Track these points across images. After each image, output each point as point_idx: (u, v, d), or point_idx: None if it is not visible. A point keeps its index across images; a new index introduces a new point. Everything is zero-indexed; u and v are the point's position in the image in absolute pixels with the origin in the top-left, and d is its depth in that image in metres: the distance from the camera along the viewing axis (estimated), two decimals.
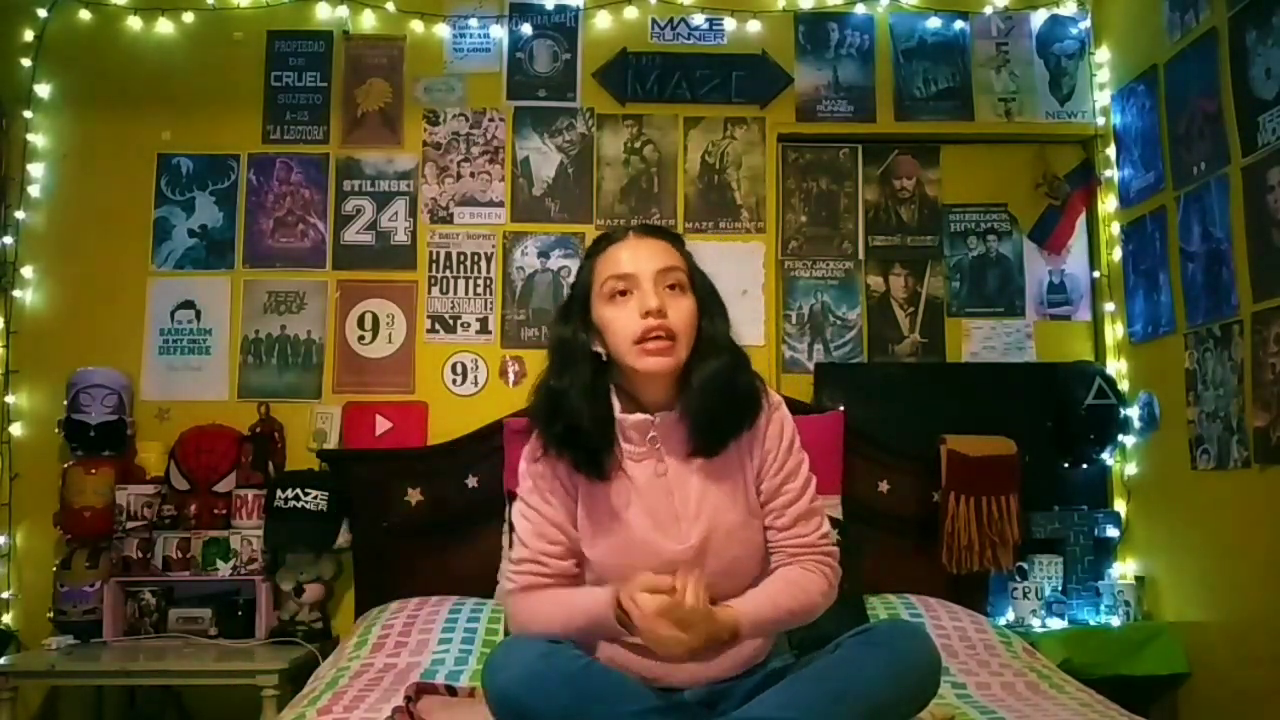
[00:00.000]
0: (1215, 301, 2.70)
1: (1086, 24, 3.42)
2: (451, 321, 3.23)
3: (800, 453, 1.69)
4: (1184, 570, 2.88)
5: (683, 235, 1.73)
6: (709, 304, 1.65)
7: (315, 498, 2.85)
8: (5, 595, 3.01)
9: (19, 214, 3.16)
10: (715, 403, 1.60)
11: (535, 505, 1.67)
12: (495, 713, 1.51)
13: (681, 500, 1.63)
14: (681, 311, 1.59)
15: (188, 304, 3.20)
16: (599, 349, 1.62)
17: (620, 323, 1.58)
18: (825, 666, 1.52)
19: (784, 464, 1.66)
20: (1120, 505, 3.14)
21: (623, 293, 1.59)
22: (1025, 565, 2.97)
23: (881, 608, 2.69)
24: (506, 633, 2.24)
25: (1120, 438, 3.12)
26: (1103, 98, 3.32)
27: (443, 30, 3.33)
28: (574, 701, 1.45)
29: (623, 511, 1.63)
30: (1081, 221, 3.36)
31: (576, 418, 1.59)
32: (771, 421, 1.68)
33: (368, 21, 3.31)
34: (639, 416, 1.63)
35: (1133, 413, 3.10)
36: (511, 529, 1.88)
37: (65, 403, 2.95)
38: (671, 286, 1.60)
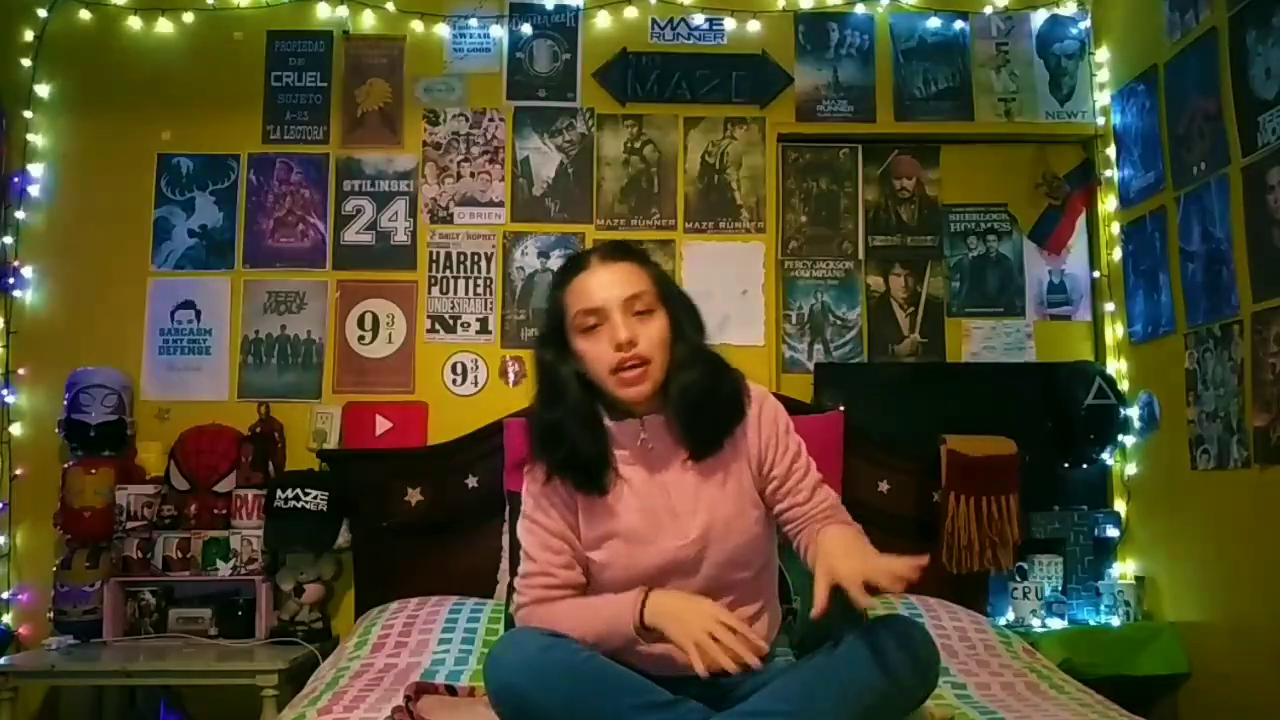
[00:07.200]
0: (1215, 301, 2.70)
1: (1086, 24, 3.42)
2: (451, 321, 3.23)
3: (796, 434, 1.76)
4: (1184, 570, 2.88)
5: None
6: (681, 317, 1.69)
7: (315, 498, 2.84)
8: (5, 595, 3.02)
9: (19, 214, 3.16)
10: (697, 411, 1.65)
11: (539, 519, 1.71)
12: (497, 707, 1.51)
13: (679, 496, 1.67)
14: (652, 335, 1.63)
15: (188, 304, 3.20)
16: (582, 370, 1.66)
17: (594, 354, 1.63)
18: (826, 662, 1.54)
19: (787, 447, 1.73)
20: (1120, 505, 3.14)
21: (594, 326, 1.62)
22: (1025, 565, 2.97)
23: (881, 607, 2.68)
24: (508, 628, 2.24)
25: (1120, 438, 3.12)
26: (1103, 98, 3.32)
27: (442, 30, 3.33)
28: (575, 695, 1.46)
29: (622, 515, 1.67)
30: (1081, 222, 3.36)
31: (573, 445, 1.64)
32: (763, 411, 1.73)
33: (367, 21, 3.32)
34: (628, 422, 1.68)
35: (1133, 413, 3.10)
36: (515, 546, 1.90)
37: (65, 403, 2.95)
38: (640, 311, 1.63)
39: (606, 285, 1.64)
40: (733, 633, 1.47)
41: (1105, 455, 3.14)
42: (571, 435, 1.64)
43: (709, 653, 1.45)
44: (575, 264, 1.70)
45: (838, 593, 1.47)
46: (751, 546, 1.70)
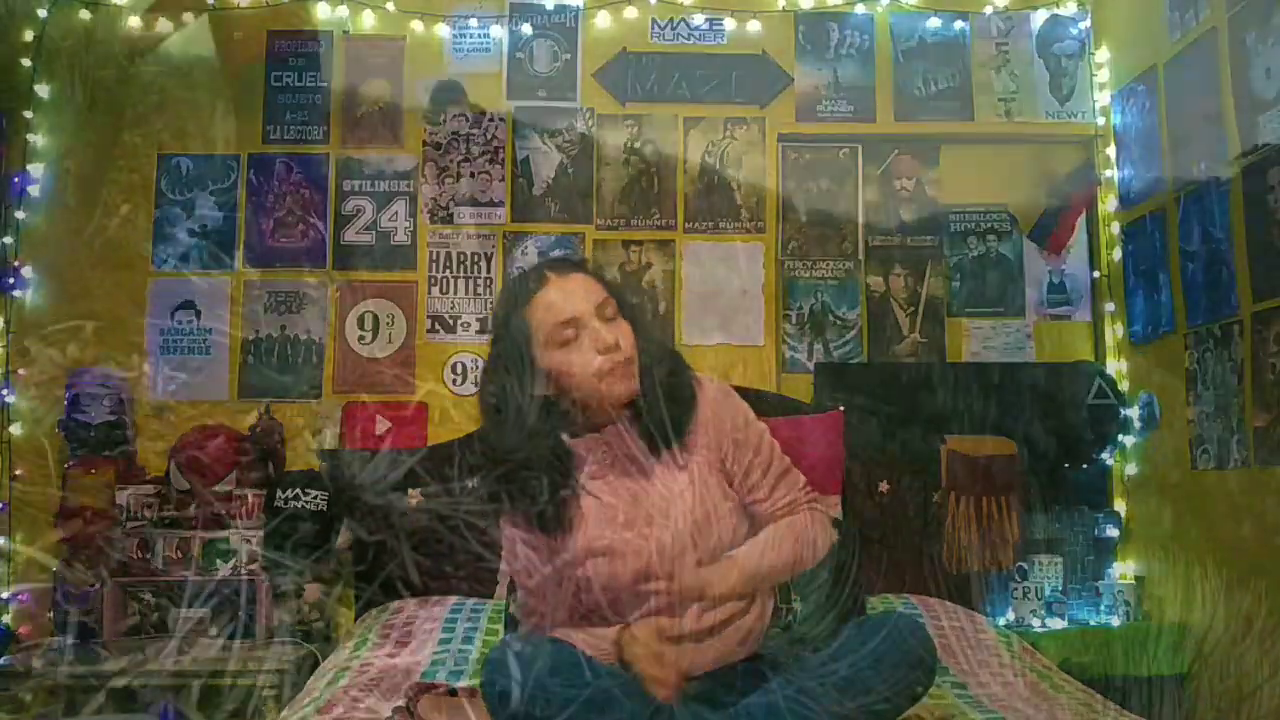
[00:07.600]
0: (1215, 301, 2.70)
1: (1086, 24, 3.42)
2: (451, 321, 3.23)
3: (757, 423, 1.76)
4: (1184, 570, 2.88)
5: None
6: (635, 316, 1.70)
7: (315, 498, 2.85)
8: (5, 595, 3.01)
9: (19, 214, 3.16)
10: (662, 405, 1.65)
11: (521, 546, 1.72)
12: (494, 713, 1.51)
13: (650, 502, 1.67)
14: (626, 336, 1.64)
15: (188, 304, 3.20)
16: (547, 391, 1.65)
17: (579, 364, 1.62)
18: (823, 660, 1.55)
19: (748, 439, 1.73)
20: (1120, 505, 3.14)
21: (574, 337, 1.62)
22: (1025, 565, 2.97)
23: (881, 608, 2.69)
24: (508, 628, 2.24)
25: (1120, 438, 3.12)
26: (1103, 98, 3.32)
27: (443, 30, 3.33)
28: (575, 698, 1.45)
29: (599, 529, 1.66)
30: (1081, 222, 3.36)
31: (532, 490, 1.64)
32: (723, 404, 1.74)
33: (368, 21, 3.32)
34: (589, 437, 1.69)
35: (1133, 413, 3.10)
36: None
37: (65, 403, 2.95)
38: (610, 318, 1.64)
39: (575, 295, 1.63)
40: (657, 657, 1.53)
41: (1105, 455, 3.14)
42: (525, 478, 1.65)
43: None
44: (529, 284, 1.67)
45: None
46: (731, 540, 1.70)
